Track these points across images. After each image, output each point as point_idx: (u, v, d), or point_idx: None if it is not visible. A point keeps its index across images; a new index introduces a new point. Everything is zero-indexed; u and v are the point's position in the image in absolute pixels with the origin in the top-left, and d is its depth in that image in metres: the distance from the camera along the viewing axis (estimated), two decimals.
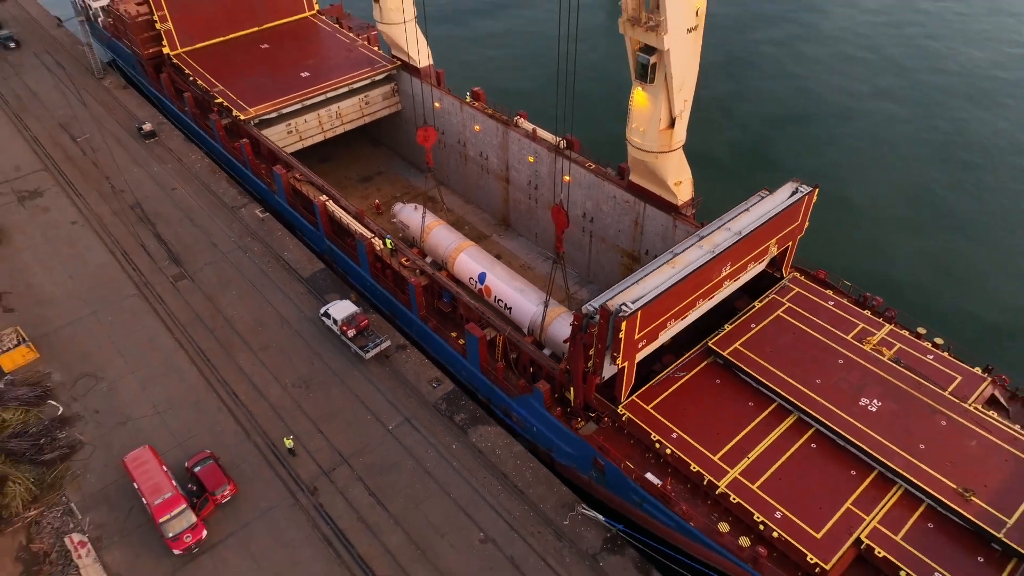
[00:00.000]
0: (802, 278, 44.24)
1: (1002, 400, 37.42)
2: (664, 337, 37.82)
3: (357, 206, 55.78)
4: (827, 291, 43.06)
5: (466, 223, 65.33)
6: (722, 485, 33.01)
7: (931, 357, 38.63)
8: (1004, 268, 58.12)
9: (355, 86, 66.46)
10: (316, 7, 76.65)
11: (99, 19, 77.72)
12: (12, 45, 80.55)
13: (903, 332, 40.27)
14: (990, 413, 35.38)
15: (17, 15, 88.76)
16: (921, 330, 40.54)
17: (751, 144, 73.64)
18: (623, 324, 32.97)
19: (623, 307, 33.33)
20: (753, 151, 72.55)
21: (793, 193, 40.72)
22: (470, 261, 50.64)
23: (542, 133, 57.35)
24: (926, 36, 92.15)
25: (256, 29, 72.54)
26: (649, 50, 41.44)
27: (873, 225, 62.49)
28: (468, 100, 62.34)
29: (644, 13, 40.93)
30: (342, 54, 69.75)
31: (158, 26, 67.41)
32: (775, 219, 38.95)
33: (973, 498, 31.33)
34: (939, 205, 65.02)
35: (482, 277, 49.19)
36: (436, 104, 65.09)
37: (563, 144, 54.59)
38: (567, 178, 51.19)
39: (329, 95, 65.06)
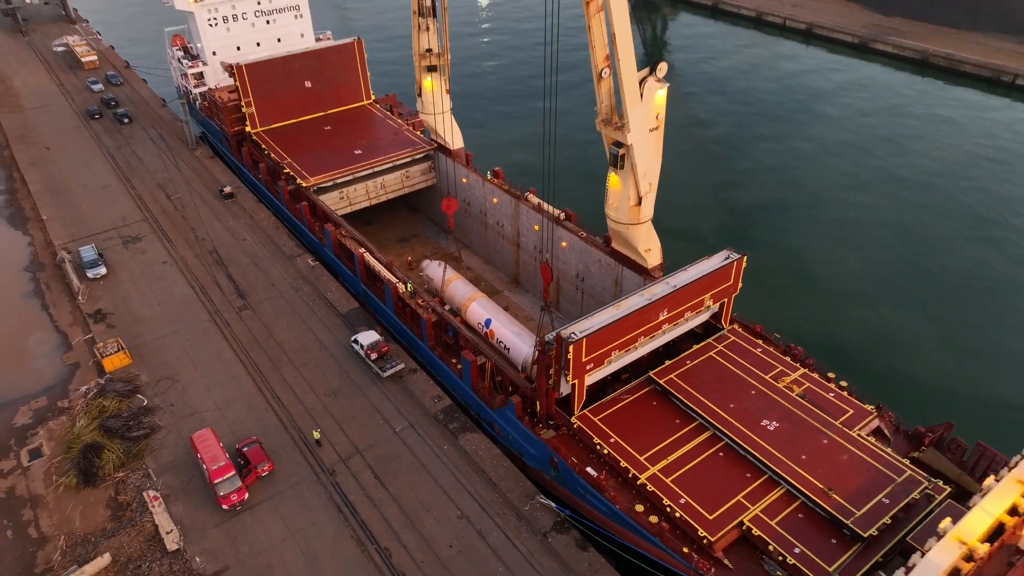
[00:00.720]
0: (740, 329, 53.95)
1: (886, 431, 45.93)
2: (613, 365, 47.92)
3: (392, 260, 68.26)
4: (758, 340, 52.60)
5: (483, 279, 76.86)
6: (643, 478, 42.33)
7: (832, 395, 47.57)
8: (925, 338, 66.20)
9: (398, 163, 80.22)
10: (372, 97, 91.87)
11: (197, 102, 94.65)
12: (126, 120, 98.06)
13: (815, 375, 49.39)
14: (868, 438, 44.01)
15: (131, 96, 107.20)
16: (831, 375, 49.56)
17: (735, 223, 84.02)
18: (571, 348, 43.41)
19: (572, 335, 43.87)
20: (736, 228, 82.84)
21: (726, 259, 51.08)
22: (479, 309, 61.73)
23: (546, 207, 69.25)
24: (908, 137, 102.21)
25: (322, 114, 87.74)
26: (619, 144, 53.20)
27: (827, 294, 71.65)
28: (489, 177, 74.97)
29: (615, 116, 52.98)
30: (390, 136, 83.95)
31: (244, 110, 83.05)
32: (706, 277, 49.28)
33: (834, 495, 39.92)
34: (886, 281, 73.69)
35: (488, 322, 60.09)
36: (464, 180, 78.10)
37: (562, 216, 66.50)
38: (536, 227, 62.98)
39: (376, 169, 78.85)
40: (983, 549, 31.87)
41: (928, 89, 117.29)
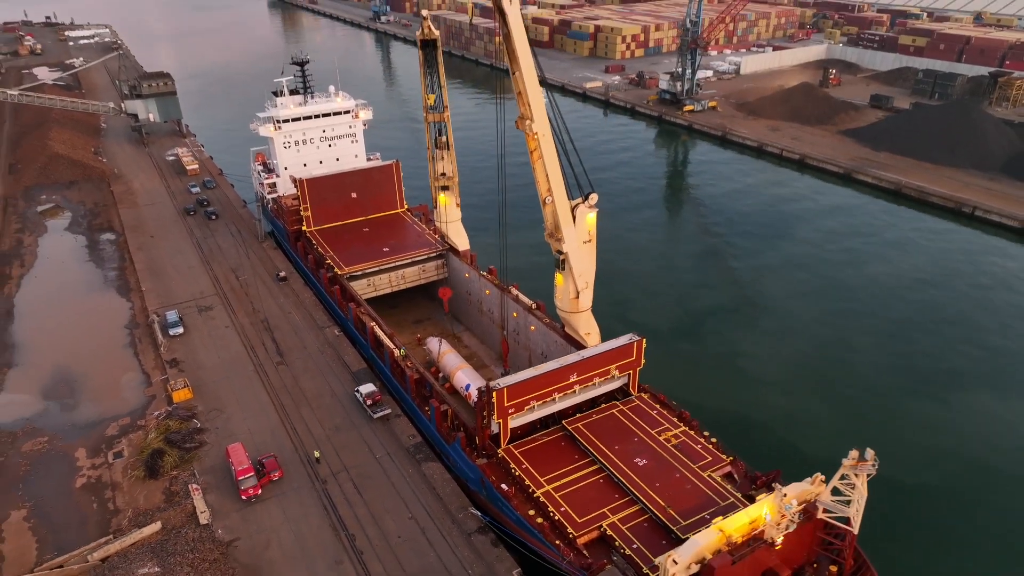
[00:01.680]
0: (647, 397, 69.40)
1: (735, 475, 59.95)
2: (535, 413, 64.03)
3: (406, 340, 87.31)
4: (657, 405, 67.86)
5: (476, 356, 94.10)
6: (538, 493, 57.65)
7: (700, 447, 62.12)
8: (806, 420, 79.11)
9: (416, 259, 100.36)
10: (405, 206, 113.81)
11: (269, 205, 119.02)
12: (213, 217, 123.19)
13: (692, 432, 64.10)
14: (716, 477, 58.21)
15: (220, 197, 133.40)
16: (706, 433, 64.16)
17: (690, 318, 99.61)
18: (495, 395, 60.16)
19: (496, 385, 60.75)
20: (689, 323, 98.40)
21: (629, 339, 67.42)
22: (463, 376, 79.15)
23: (523, 298, 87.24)
24: (868, 255, 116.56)
25: (363, 218, 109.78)
26: (560, 252, 71.52)
27: (744, 380, 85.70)
28: (484, 274, 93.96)
29: (557, 231, 71.52)
30: (413, 238, 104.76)
31: (302, 213, 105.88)
32: (609, 352, 65.65)
33: (670, 511, 54.28)
34: (796, 374, 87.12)
35: (468, 387, 77.32)
36: (466, 275, 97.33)
37: (534, 306, 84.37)
38: (516, 313, 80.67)
39: (398, 264, 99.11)
40: (737, 535, 46.15)
41: (898, 216, 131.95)
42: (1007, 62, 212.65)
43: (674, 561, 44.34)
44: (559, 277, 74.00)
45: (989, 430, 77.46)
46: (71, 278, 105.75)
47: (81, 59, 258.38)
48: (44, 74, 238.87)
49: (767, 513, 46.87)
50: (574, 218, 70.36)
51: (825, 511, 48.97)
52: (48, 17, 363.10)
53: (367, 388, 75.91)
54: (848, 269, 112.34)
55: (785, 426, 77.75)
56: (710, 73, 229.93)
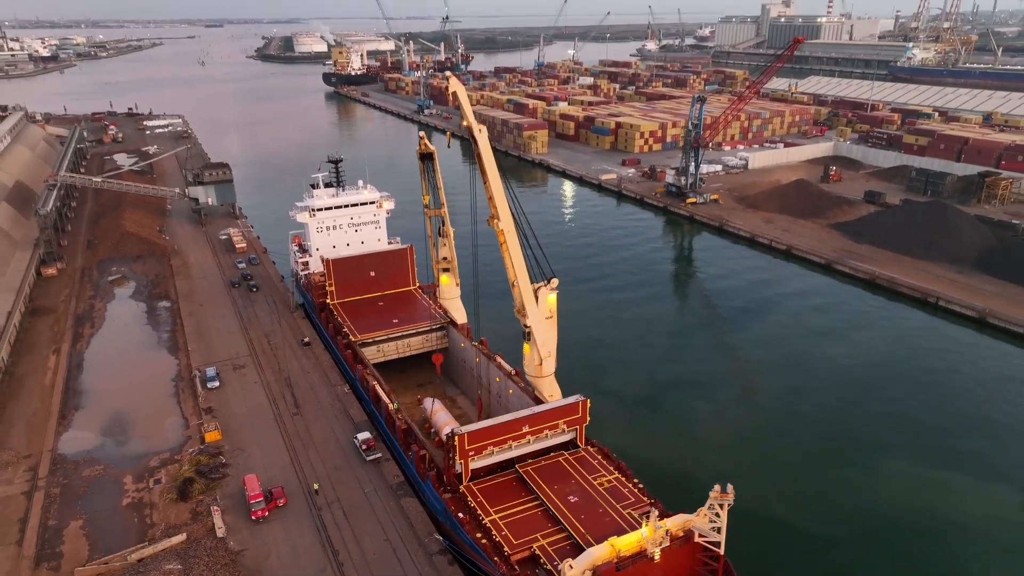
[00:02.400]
0: (593, 449, 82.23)
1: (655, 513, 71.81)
2: (494, 457, 77.43)
3: (408, 399, 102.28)
4: (599, 456, 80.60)
5: (467, 416, 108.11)
6: (486, 520, 70.66)
7: (627, 490, 74.48)
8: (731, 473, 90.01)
9: (420, 330, 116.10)
10: (417, 284, 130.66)
11: (301, 280, 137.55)
12: (255, 289, 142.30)
13: (623, 478, 76.51)
14: (634, 514, 70.37)
15: (261, 272, 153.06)
16: (636, 480, 76.49)
17: (653, 387, 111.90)
18: (457, 439, 74.18)
19: (459, 431, 74.84)
20: (651, 391, 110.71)
21: (576, 399, 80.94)
22: (449, 431, 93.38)
23: (505, 365, 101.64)
24: (832, 336, 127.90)
25: (379, 294, 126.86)
26: (526, 326, 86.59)
27: (688, 439, 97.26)
28: (475, 344, 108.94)
29: (523, 308, 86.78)
30: (420, 312, 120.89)
31: (327, 288, 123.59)
32: (557, 409, 79.29)
33: (588, 536, 66.60)
34: (735, 439, 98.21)
35: None
36: (462, 344, 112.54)
37: (514, 372, 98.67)
38: (498, 378, 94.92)
39: (404, 333, 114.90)
40: (625, 551, 58.57)
41: (867, 303, 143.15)
42: (1003, 162, 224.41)
43: (570, 566, 57.07)
44: (526, 347, 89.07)
45: (899, 493, 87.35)
46: (131, 338, 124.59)
47: (156, 147, 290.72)
48: (123, 160, 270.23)
49: (645, 533, 59.31)
50: (537, 298, 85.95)
51: (700, 536, 61.05)
52: (130, 108, 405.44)
53: (363, 435, 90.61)
54: (810, 349, 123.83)
55: (715, 479, 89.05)
56: (719, 167, 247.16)
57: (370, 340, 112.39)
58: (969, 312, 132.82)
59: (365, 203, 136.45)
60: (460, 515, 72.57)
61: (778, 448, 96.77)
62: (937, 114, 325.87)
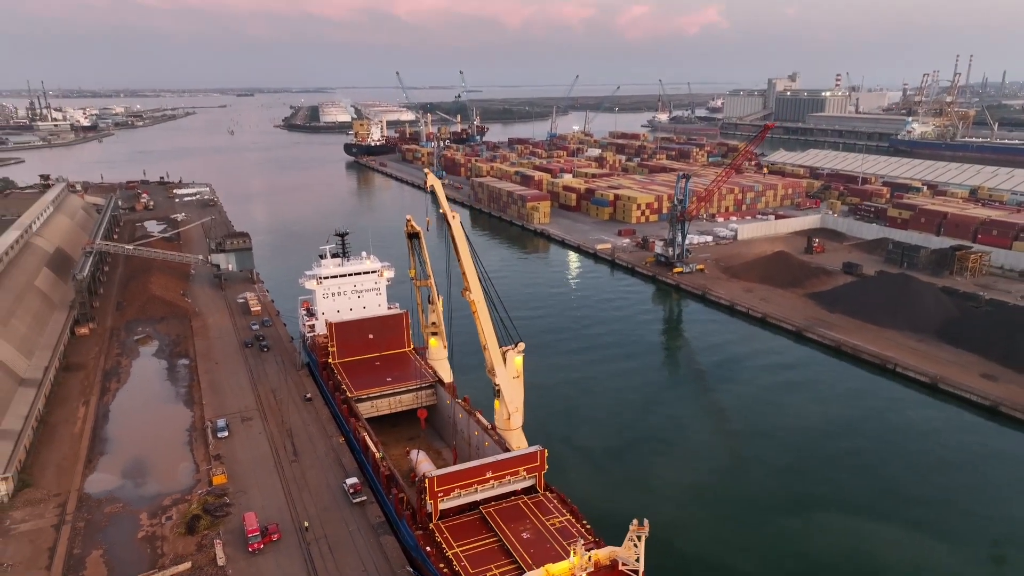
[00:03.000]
0: (551, 494, 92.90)
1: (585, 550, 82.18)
2: (460, 500, 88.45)
3: (397, 451, 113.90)
4: (555, 500, 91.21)
5: (448, 464, 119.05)
6: (449, 553, 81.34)
7: (576, 529, 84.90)
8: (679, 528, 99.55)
9: (411, 388, 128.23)
10: (411, 346, 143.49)
11: (307, 341, 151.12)
12: (265, 349, 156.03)
13: (573, 519, 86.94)
14: (580, 549, 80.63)
15: (273, 333, 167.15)
16: (585, 522, 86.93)
17: (620, 447, 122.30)
18: (427, 481, 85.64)
19: (428, 474, 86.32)
20: (617, 451, 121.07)
21: (535, 450, 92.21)
22: None
23: (483, 420, 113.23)
24: (787, 396, 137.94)
25: (376, 355, 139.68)
26: (496, 384, 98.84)
27: (650, 492, 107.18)
28: (459, 401, 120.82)
29: (493, 369, 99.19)
30: (412, 371, 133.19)
31: (330, 348, 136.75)
32: (517, 458, 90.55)
33: (532, 565, 76.87)
34: (696, 491, 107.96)
35: None
36: (448, 401, 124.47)
37: (490, 427, 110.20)
38: (477, 432, 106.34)
39: (396, 391, 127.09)
40: (557, 574, 69.19)
41: (831, 368, 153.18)
42: (979, 236, 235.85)
43: None
44: (497, 403, 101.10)
45: (832, 542, 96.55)
46: (152, 392, 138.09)
47: (184, 215, 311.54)
48: (153, 227, 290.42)
49: (573, 560, 70.00)
50: (505, 360, 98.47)
51: (623, 564, 71.53)
52: (162, 177, 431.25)
53: (351, 480, 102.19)
54: (769, 411, 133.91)
55: (664, 522, 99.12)
56: (710, 238, 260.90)
57: (365, 396, 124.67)
58: (923, 378, 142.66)
59: (367, 272, 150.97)
60: (428, 549, 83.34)
61: (728, 497, 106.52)
62: (926, 188, 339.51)
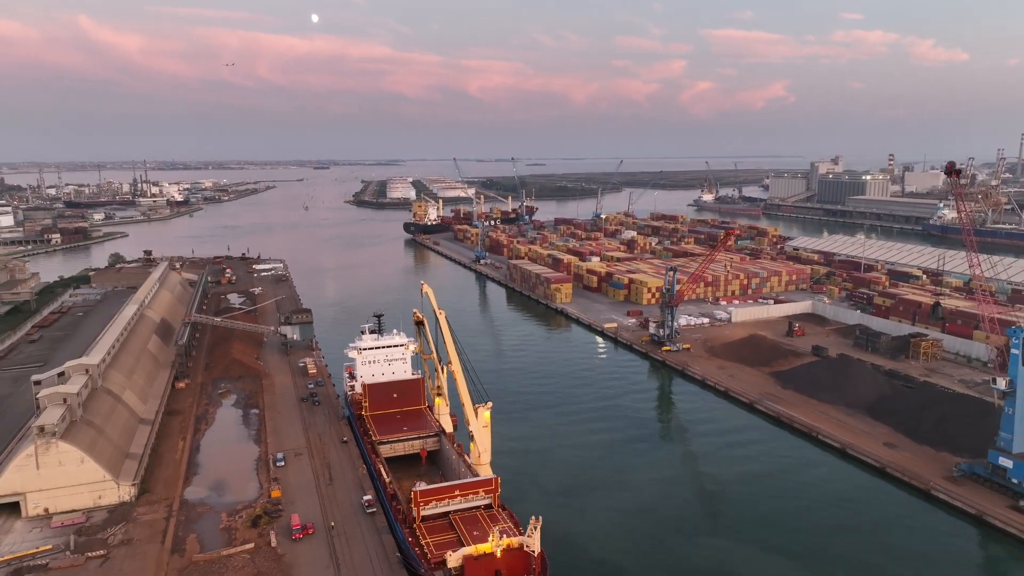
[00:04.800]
0: (503, 511, 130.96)
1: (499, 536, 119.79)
2: (436, 509, 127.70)
3: (407, 483, 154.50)
4: (503, 514, 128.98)
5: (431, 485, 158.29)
6: (423, 540, 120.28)
7: (511, 530, 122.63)
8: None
9: (421, 436, 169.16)
10: (426, 404, 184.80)
11: (349, 398, 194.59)
12: (317, 403, 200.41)
13: (512, 526, 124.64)
14: (496, 532, 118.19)
15: (324, 392, 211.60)
16: (520, 527, 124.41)
17: (563, 492, 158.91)
18: (413, 494, 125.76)
19: (414, 489, 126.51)
20: (561, 498, 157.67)
21: (489, 477, 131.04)
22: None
23: (466, 458, 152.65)
24: (720, 453, 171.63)
25: (397, 410, 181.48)
26: (470, 431, 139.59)
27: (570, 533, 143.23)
28: (455, 446, 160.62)
29: (468, 419, 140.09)
30: (423, 423, 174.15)
31: (363, 404, 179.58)
32: (476, 482, 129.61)
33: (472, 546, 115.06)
34: (614, 534, 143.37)
35: None
36: (447, 446, 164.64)
37: (471, 463, 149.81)
38: (463, 468, 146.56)
39: (410, 437, 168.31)
40: (482, 550, 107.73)
41: (767, 434, 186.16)
42: (947, 325, 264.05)
43: (450, 554, 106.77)
44: (472, 445, 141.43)
45: (707, 555, 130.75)
46: (230, 433, 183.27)
47: (260, 289, 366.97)
48: (235, 299, 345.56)
49: (491, 541, 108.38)
50: (477, 414, 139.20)
51: (527, 547, 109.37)
52: (243, 253, 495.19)
53: (367, 497, 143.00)
54: (702, 460, 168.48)
55: (591, 539, 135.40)
56: (706, 320, 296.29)
57: (386, 440, 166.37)
58: (836, 444, 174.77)
59: (396, 345, 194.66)
60: (410, 539, 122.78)
61: (636, 517, 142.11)
62: (924, 276, 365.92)
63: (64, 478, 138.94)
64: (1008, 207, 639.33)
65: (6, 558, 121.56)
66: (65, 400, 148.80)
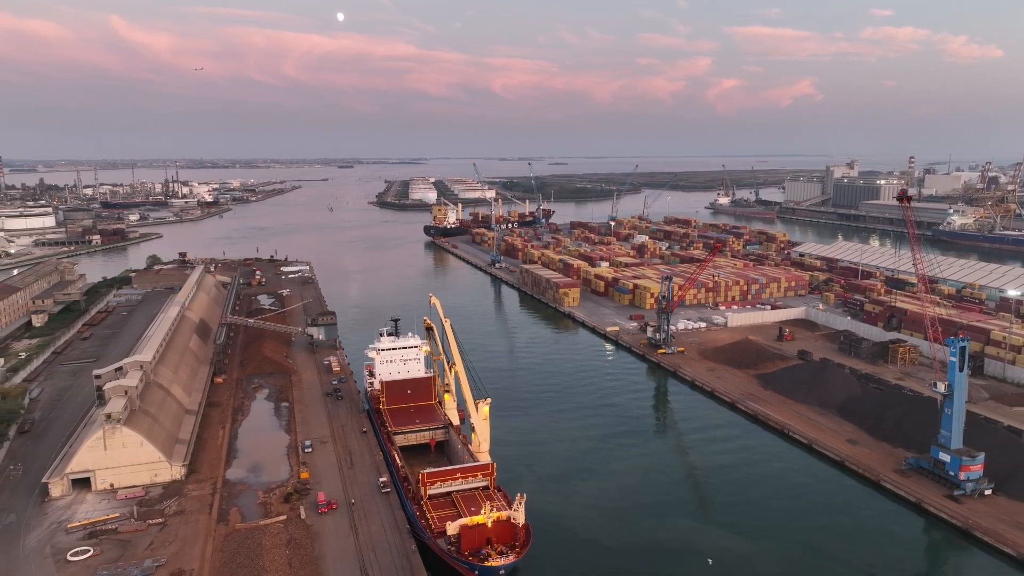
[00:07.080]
0: (498, 492, 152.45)
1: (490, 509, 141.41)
2: (441, 488, 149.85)
3: (418, 468, 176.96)
4: (498, 494, 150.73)
5: (436, 468, 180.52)
6: (428, 514, 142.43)
7: (503, 508, 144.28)
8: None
9: (431, 427, 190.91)
10: (436, 399, 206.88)
11: (368, 394, 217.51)
12: (340, 398, 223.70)
13: (504, 504, 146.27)
14: (488, 506, 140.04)
15: (347, 388, 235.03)
16: (515, 505, 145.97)
17: (557, 479, 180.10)
18: (421, 476, 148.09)
19: (423, 472, 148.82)
20: (553, 485, 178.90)
21: (486, 463, 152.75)
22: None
23: (469, 447, 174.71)
24: (703, 447, 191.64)
25: (411, 404, 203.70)
26: (472, 424, 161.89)
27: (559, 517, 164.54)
28: (460, 437, 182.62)
29: (471, 413, 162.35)
30: (433, 416, 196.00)
31: (381, 398, 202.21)
32: (475, 467, 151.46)
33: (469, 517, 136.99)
34: (595, 515, 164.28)
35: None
36: (453, 437, 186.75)
37: (473, 452, 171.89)
38: (467, 456, 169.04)
39: (421, 428, 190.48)
40: (476, 521, 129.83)
41: (745, 431, 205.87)
42: (930, 331, 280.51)
43: (449, 524, 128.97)
44: (473, 436, 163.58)
45: (675, 535, 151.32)
46: (264, 423, 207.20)
47: (288, 291, 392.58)
48: (264, 300, 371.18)
49: (484, 513, 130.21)
50: (477, 408, 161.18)
51: (513, 519, 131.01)
52: (272, 255, 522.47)
53: (383, 479, 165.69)
54: (682, 451, 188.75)
55: (572, 523, 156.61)
56: (703, 324, 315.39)
57: (400, 431, 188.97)
58: (803, 440, 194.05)
59: (411, 347, 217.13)
60: (418, 513, 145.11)
61: (614, 497, 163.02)
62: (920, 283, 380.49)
63: (126, 458, 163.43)
64: (1019, 214, 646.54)
65: (84, 522, 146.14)
66: (126, 392, 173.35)
